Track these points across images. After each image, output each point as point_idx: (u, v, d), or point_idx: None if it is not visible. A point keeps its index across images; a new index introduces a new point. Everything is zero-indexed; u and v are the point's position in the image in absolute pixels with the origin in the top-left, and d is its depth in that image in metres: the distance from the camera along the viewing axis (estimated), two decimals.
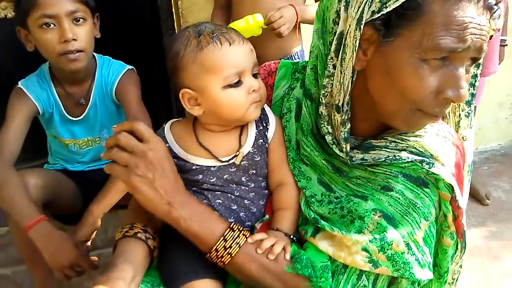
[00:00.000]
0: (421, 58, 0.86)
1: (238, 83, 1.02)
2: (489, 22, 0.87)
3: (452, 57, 0.86)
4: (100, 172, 1.87)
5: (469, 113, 1.11)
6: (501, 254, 2.34)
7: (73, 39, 1.55)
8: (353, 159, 1.00)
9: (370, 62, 0.93)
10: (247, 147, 1.08)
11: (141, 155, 0.96)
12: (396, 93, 0.91)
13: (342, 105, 0.96)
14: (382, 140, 1.01)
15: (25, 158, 1.77)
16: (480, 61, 0.95)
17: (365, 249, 0.94)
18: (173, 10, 2.14)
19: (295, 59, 2.01)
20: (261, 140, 1.09)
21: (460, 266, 1.10)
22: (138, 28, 2.45)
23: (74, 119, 1.77)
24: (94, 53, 1.75)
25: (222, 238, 0.98)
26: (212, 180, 1.07)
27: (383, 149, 1.00)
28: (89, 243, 1.61)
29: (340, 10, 0.95)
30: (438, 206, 0.99)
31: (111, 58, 1.81)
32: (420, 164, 0.96)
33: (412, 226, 0.95)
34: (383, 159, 0.98)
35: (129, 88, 1.74)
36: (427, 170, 0.95)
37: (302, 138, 1.07)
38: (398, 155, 0.97)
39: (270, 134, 1.10)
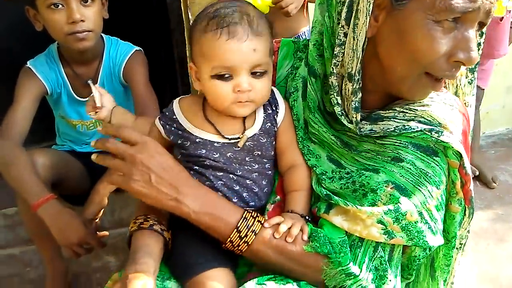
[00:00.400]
0: (434, 19, 0.88)
1: (228, 77, 1.00)
2: None
3: (463, 18, 0.88)
4: (107, 153, 1.89)
5: (472, 80, 1.12)
6: (507, 236, 2.35)
7: (81, 20, 1.55)
8: (362, 130, 1.01)
9: (381, 27, 0.94)
10: (254, 129, 1.07)
11: (130, 159, 0.96)
12: (408, 56, 0.92)
13: (354, 73, 0.97)
14: (390, 111, 1.02)
15: (33, 140, 1.78)
16: (484, 29, 0.97)
17: (380, 221, 0.95)
18: None
19: (303, 39, 1.99)
20: (269, 124, 1.08)
21: (468, 231, 1.11)
22: (144, 9, 2.44)
23: (82, 99, 1.77)
24: (102, 34, 1.75)
25: (235, 230, 0.98)
26: (215, 156, 1.06)
27: (391, 119, 1.00)
28: (97, 220, 1.63)
29: None
30: (447, 173, 1.01)
31: (119, 39, 1.80)
32: (429, 133, 0.97)
33: (424, 196, 0.96)
34: (392, 129, 0.98)
35: (137, 69, 1.74)
36: (436, 139, 0.96)
37: (310, 115, 1.07)
38: (407, 125, 0.98)
39: (279, 118, 1.10)
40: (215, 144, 1.06)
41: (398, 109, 1.02)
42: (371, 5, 0.91)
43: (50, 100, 1.82)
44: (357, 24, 0.94)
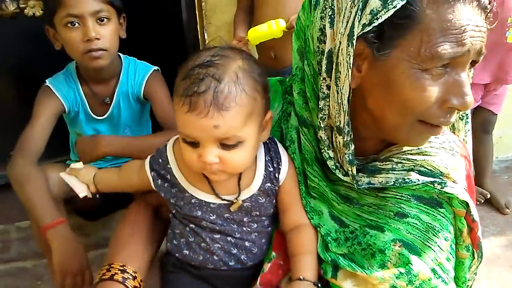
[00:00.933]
0: (421, 68, 0.82)
1: (195, 144, 0.91)
2: (485, 23, 0.84)
3: (453, 63, 0.83)
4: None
5: (463, 116, 1.08)
6: None
7: (96, 38, 1.58)
8: (359, 183, 0.96)
9: (365, 78, 0.89)
10: (252, 190, 1.00)
11: None
12: (398, 107, 0.87)
13: (343, 126, 0.91)
14: (387, 162, 0.97)
15: (47, 155, 1.79)
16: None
17: (393, 286, 0.92)
18: (197, 12, 2.15)
19: None
20: (269, 184, 1.01)
21: (475, 274, 1.08)
22: (160, 28, 2.48)
23: (98, 118, 1.80)
24: (120, 54, 1.78)
25: None
26: (212, 218, 1.01)
27: (390, 172, 0.96)
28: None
29: (324, 27, 0.91)
30: (454, 221, 0.97)
31: (136, 59, 1.83)
32: (431, 185, 0.92)
33: (434, 251, 0.93)
34: (392, 183, 0.94)
35: (158, 88, 1.76)
36: (440, 190, 0.92)
37: (308, 168, 1.02)
38: (408, 178, 0.93)
39: (281, 176, 1.02)
40: (211, 205, 1.00)
41: (395, 160, 0.96)
42: (351, 58, 0.85)
43: (66, 118, 1.84)
44: (339, 77, 0.89)
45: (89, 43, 1.58)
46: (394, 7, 0.81)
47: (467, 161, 1.01)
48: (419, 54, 0.81)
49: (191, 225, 1.03)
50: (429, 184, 0.92)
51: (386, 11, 0.82)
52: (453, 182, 0.94)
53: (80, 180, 1.16)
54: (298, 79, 1.02)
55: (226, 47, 0.94)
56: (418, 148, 0.96)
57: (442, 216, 0.94)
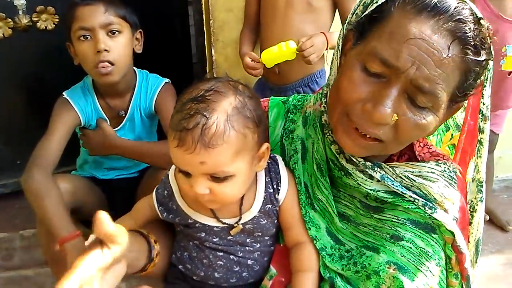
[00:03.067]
0: (362, 62, 0.86)
1: (187, 174, 0.92)
2: (456, 54, 0.81)
3: (389, 74, 0.84)
4: (126, 181, 1.95)
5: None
6: None
7: (105, 50, 1.60)
8: (360, 163, 0.96)
9: None
10: (252, 212, 1.02)
11: None
12: (335, 92, 0.91)
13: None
14: (390, 170, 0.98)
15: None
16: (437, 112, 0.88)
17: None
18: (205, 28, 2.19)
19: (317, 78, 2.06)
20: (269, 205, 1.03)
21: None
22: (169, 43, 2.52)
23: (114, 130, 1.80)
24: (135, 68, 1.80)
25: None
26: (215, 240, 1.03)
27: (390, 176, 0.97)
28: None
29: None
30: (444, 248, 0.98)
31: (148, 72, 1.86)
32: (422, 208, 0.94)
33: (426, 276, 0.93)
34: (388, 182, 0.95)
35: (168, 101, 1.78)
36: (430, 215, 0.94)
37: (321, 179, 1.03)
38: (402, 192, 0.95)
39: (281, 196, 1.03)
40: (215, 229, 1.03)
41: (398, 171, 0.97)
42: (341, 39, 0.94)
43: (78, 129, 1.84)
44: (333, 59, 0.97)
45: (98, 54, 1.60)
46: (376, 2, 0.87)
47: (462, 195, 1.02)
48: (365, 47, 0.85)
49: (195, 241, 1.05)
50: (420, 207, 0.94)
51: (372, 5, 0.88)
52: (444, 211, 0.95)
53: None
54: None
55: (223, 80, 0.95)
56: (420, 171, 0.98)
57: (435, 242, 0.95)
